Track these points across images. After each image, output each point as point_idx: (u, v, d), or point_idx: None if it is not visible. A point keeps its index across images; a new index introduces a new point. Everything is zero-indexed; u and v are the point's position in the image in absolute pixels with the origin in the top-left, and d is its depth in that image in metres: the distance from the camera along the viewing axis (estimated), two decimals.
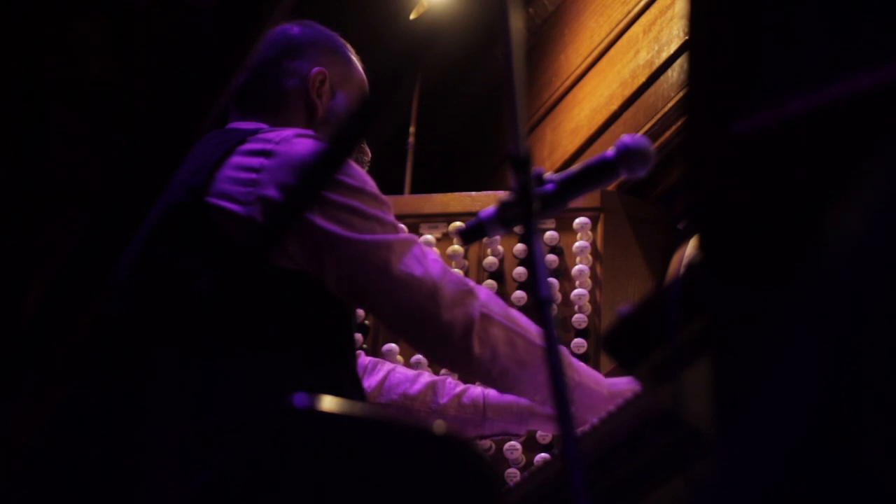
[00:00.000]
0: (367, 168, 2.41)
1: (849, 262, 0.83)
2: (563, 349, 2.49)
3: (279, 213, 1.40)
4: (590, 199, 3.09)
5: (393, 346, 3.03)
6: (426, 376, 2.60)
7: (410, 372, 2.61)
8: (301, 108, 2.38)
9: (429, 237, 3.16)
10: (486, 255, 3.15)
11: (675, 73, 3.29)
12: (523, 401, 2.43)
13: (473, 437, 2.53)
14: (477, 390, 2.52)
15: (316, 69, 2.39)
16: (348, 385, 2.10)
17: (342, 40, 2.49)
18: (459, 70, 4.47)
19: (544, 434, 2.86)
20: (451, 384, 2.57)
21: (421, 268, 2.11)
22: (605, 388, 2.33)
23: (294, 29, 2.45)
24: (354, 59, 2.47)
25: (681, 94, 3.18)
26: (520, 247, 3.11)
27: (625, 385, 2.32)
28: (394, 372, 2.60)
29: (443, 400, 2.52)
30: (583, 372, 2.32)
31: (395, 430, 1.82)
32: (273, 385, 1.96)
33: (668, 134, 3.28)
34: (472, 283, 2.18)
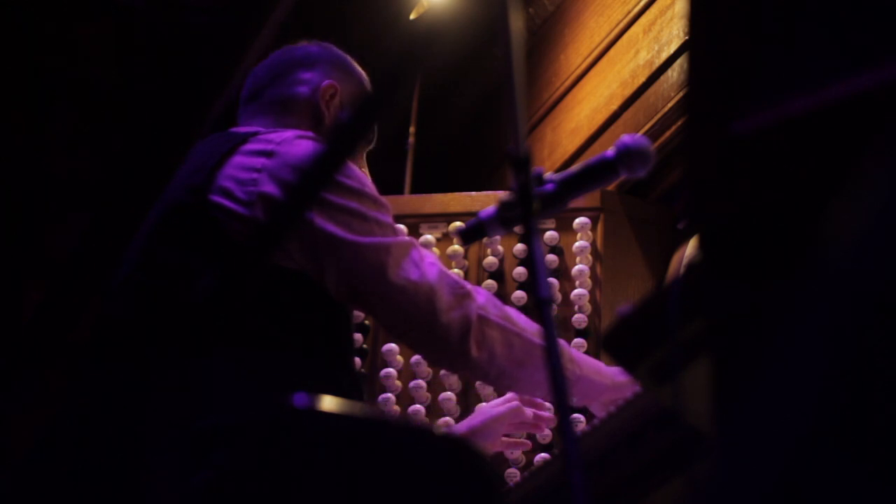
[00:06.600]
0: (365, 170, 2.43)
1: (849, 261, 0.83)
2: (564, 343, 2.50)
3: (279, 211, 1.40)
4: (590, 199, 3.08)
5: (393, 346, 3.02)
6: None
7: None
8: (307, 115, 2.40)
9: (429, 237, 3.16)
10: (486, 255, 3.14)
11: (675, 73, 3.29)
12: None
13: None
14: None
15: (327, 81, 2.43)
16: (347, 385, 2.10)
17: (357, 65, 2.52)
18: (459, 70, 4.47)
19: (544, 434, 2.86)
20: None
21: (418, 272, 2.12)
22: (609, 378, 2.33)
23: (312, 47, 2.51)
24: (366, 82, 2.50)
25: (681, 94, 3.18)
26: (520, 247, 3.11)
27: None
28: None
29: None
30: (584, 364, 2.33)
31: (394, 430, 1.82)
32: (273, 385, 1.96)
33: (668, 134, 3.28)
34: (469, 286, 2.18)
